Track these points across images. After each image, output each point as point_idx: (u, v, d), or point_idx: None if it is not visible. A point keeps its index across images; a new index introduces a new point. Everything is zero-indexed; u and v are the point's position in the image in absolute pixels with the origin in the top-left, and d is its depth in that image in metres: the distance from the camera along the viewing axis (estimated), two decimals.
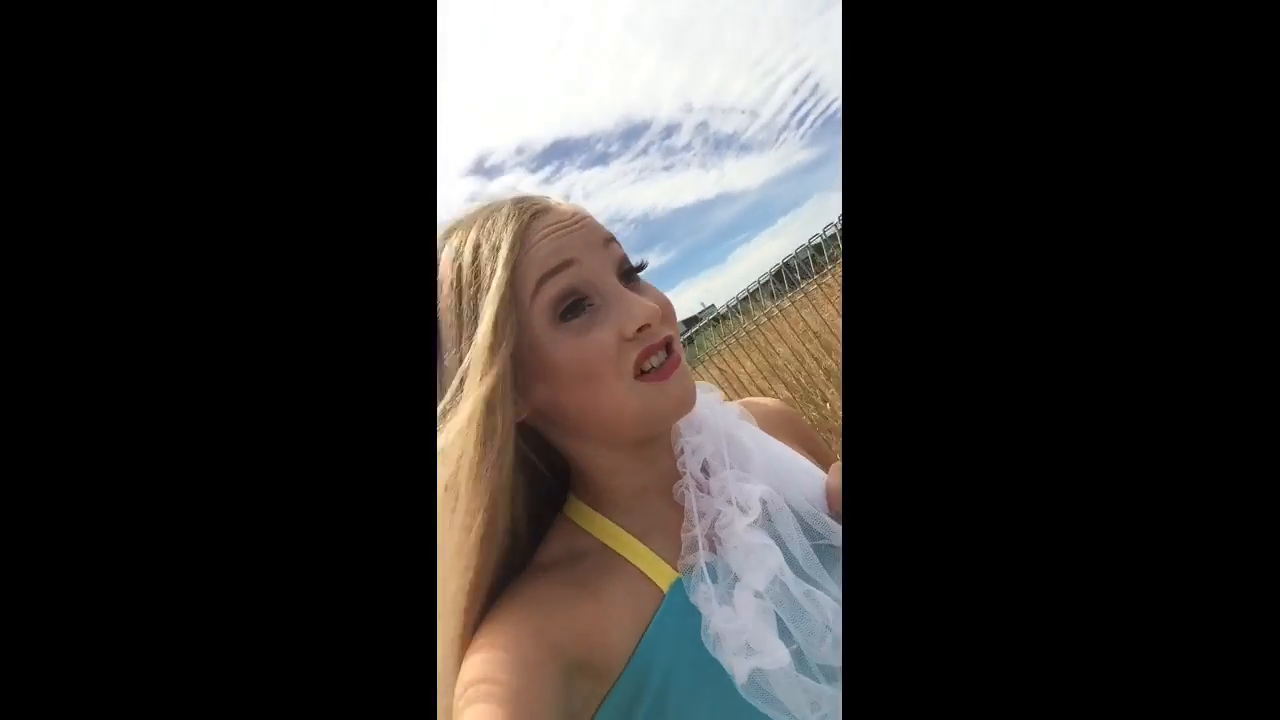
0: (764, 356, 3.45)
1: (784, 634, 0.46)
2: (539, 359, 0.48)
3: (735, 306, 3.59)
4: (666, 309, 0.51)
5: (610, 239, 0.51)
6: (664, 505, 0.52)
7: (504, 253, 0.47)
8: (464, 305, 0.48)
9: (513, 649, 0.43)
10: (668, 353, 0.49)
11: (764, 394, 3.49)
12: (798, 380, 3.37)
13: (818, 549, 0.50)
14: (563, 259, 0.48)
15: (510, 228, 0.48)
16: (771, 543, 0.48)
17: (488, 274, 0.48)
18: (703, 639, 0.46)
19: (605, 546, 0.51)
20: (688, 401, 0.50)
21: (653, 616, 0.48)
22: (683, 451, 0.53)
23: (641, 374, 0.48)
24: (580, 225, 0.50)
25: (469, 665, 0.44)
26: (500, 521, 0.47)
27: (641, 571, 0.50)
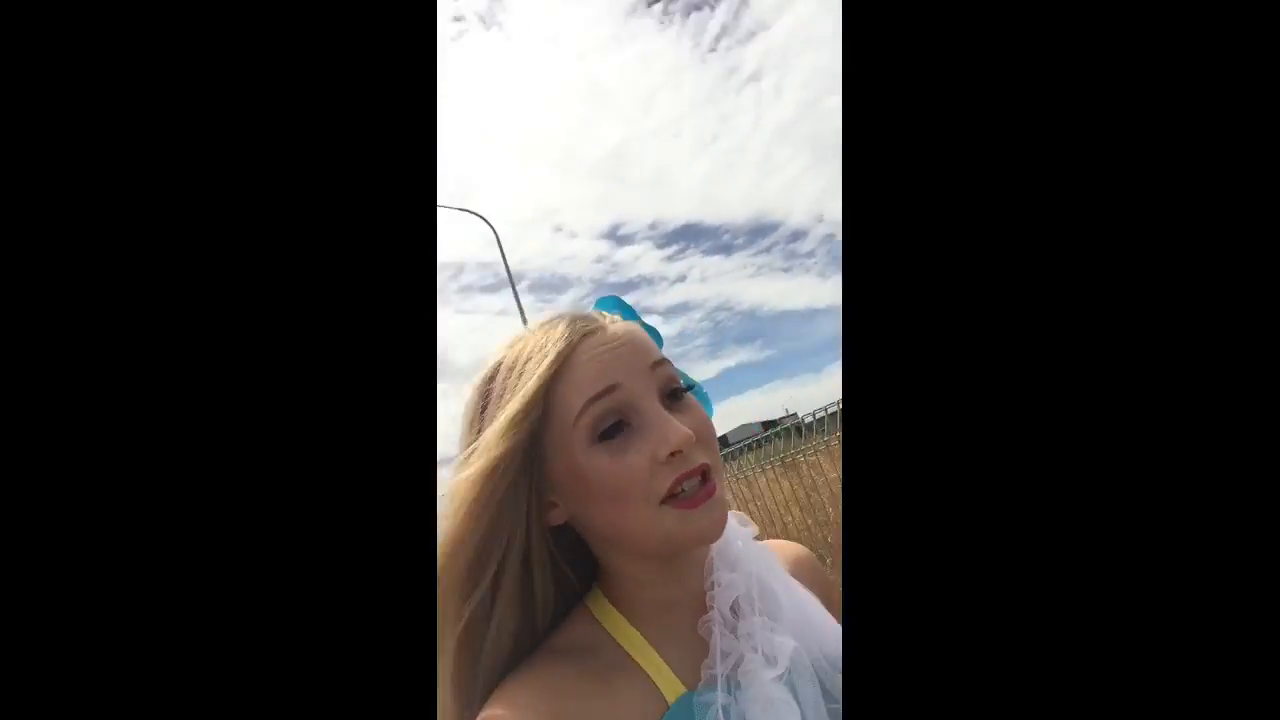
0: (804, 482, 3.37)
1: None
2: (575, 475, 0.50)
3: (814, 422, 3.55)
4: (705, 434, 0.51)
5: (659, 362, 0.52)
6: (685, 621, 0.53)
7: (547, 361, 0.50)
8: (491, 401, 0.53)
9: None
10: (703, 480, 0.50)
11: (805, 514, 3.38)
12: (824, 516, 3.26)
13: (831, 713, 0.50)
14: (608, 383, 0.50)
15: (559, 345, 0.51)
16: (793, 700, 0.48)
17: (527, 376, 0.51)
18: None
19: (619, 646, 0.52)
20: (713, 533, 0.50)
21: None
22: (714, 586, 0.53)
23: (672, 498, 0.49)
24: (628, 348, 0.51)
25: None
26: (498, 577, 0.50)
27: (650, 680, 0.50)
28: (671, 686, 0.50)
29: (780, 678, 0.49)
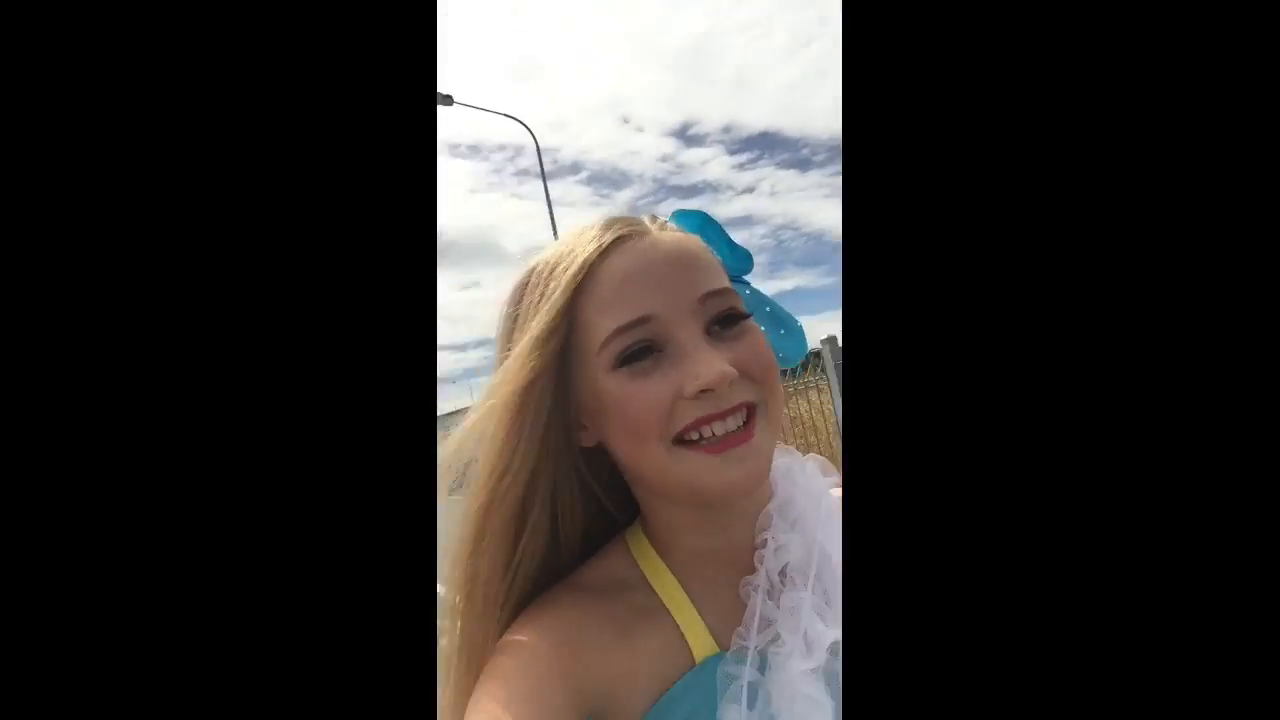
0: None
1: None
2: (596, 398, 0.46)
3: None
4: (756, 368, 0.45)
5: (711, 294, 0.45)
6: (726, 576, 0.48)
7: (572, 271, 0.46)
8: (522, 313, 0.48)
9: (536, 697, 0.41)
10: (745, 422, 0.44)
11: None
12: None
13: None
14: (641, 313, 0.44)
15: (588, 249, 0.46)
16: (825, 700, 0.42)
17: (553, 288, 0.46)
18: None
19: (653, 591, 0.48)
20: (742, 485, 0.44)
21: (675, 682, 0.45)
22: (765, 545, 0.47)
23: (690, 442, 0.44)
24: (673, 270, 0.45)
25: (491, 685, 0.42)
26: (524, 505, 0.47)
27: (681, 632, 0.46)
28: (703, 643, 0.46)
29: (814, 671, 0.43)
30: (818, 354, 3.70)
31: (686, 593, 0.48)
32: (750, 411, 0.45)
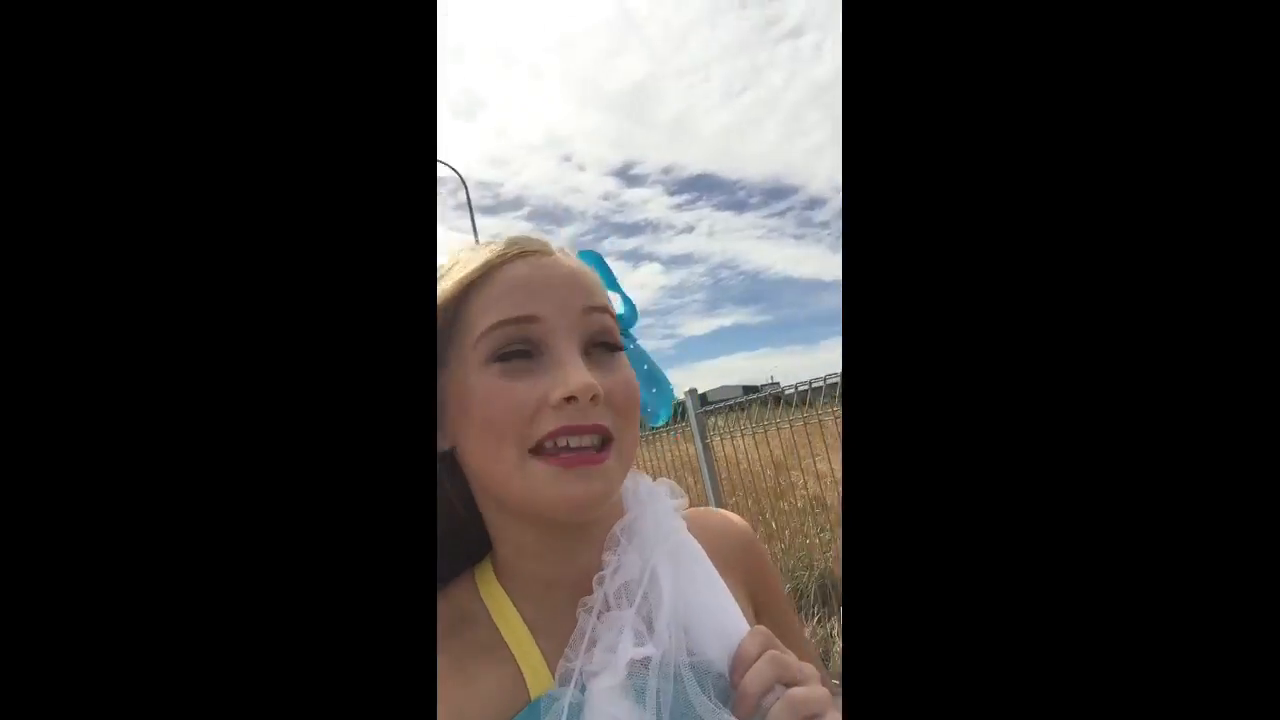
0: (781, 454, 3.41)
1: None
2: (460, 393, 0.46)
3: (796, 394, 3.57)
4: (621, 399, 0.46)
5: (598, 309, 0.47)
6: (570, 604, 0.48)
7: (470, 268, 0.46)
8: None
9: None
10: (599, 446, 0.45)
11: (767, 484, 3.42)
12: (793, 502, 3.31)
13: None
14: (527, 312, 0.45)
15: (488, 254, 0.47)
16: (629, 712, 0.43)
17: (445, 281, 0.47)
18: None
19: (494, 626, 0.48)
20: (583, 505, 0.44)
21: None
22: (604, 566, 0.48)
23: (544, 451, 0.44)
24: (565, 282, 0.47)
25: None
26: None
27: (519, 669, 0.46)
28: (539, 680, 0.46)
29: (615, 688, 0.43)
30: (682, 405, 3.80)
31: (529, 626, 0.48)
32: (606, 438, 0.45)
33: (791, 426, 3.32)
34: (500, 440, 0.44)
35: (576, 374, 0.43)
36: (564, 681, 0.45)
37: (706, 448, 3.64)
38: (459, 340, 0.46)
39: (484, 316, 0.45)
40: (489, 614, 0.49)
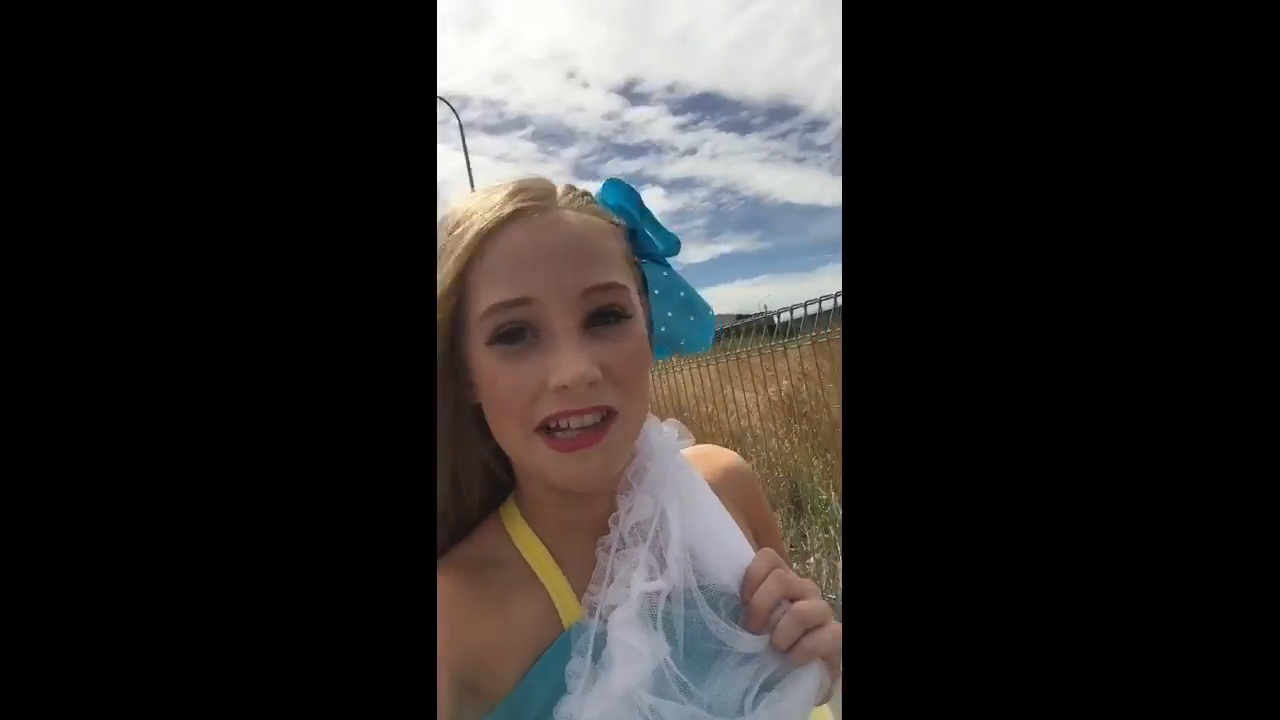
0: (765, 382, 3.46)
1: None
2: (471, 368, 0.48)
3: (790, 322, 3.58)
4: (622, 372, 0.46)
5: (597, 289, 0.46)
6: (591, 543, 0.51)
7: (467, 239, 0.46)
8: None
9: None
10: (600, 422, 0.46)
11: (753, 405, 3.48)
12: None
13: (701, 654, 0.47)
14: (520, 294, 0.45)
15: (485, 220, 0.46)
16: (642, 648, 0.45)
17: (453, 248, 0.46)
18: (554, 713, 0.45)
19: (524, 562, 0.51)
20: (585, 484, 0.47)
21: (546, 649, 0.48)
22: (618, 507, 0.51)
23: (549, 432, 0.45)
24: (561, 256, 0.45)
25: None
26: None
27: (551, 601, 0.49)
28: (570, 610, 0.49)
29: (632, 619, 0.46)
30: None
31: (556, 562, 0.51)
32: (608, 415, 0.46)
33: (786, 351, 3.36)
34: (506, 419, 0.46)
35: (571, 363, 0.43)
36: (590, 614, 0.48)
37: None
38: (467, 310, 0.47)
39: (483, 293, 0.45)
40: (519, 553, 0.51)
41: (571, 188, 0.51)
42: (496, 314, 0.45)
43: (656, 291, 0.55)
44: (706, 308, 0.56)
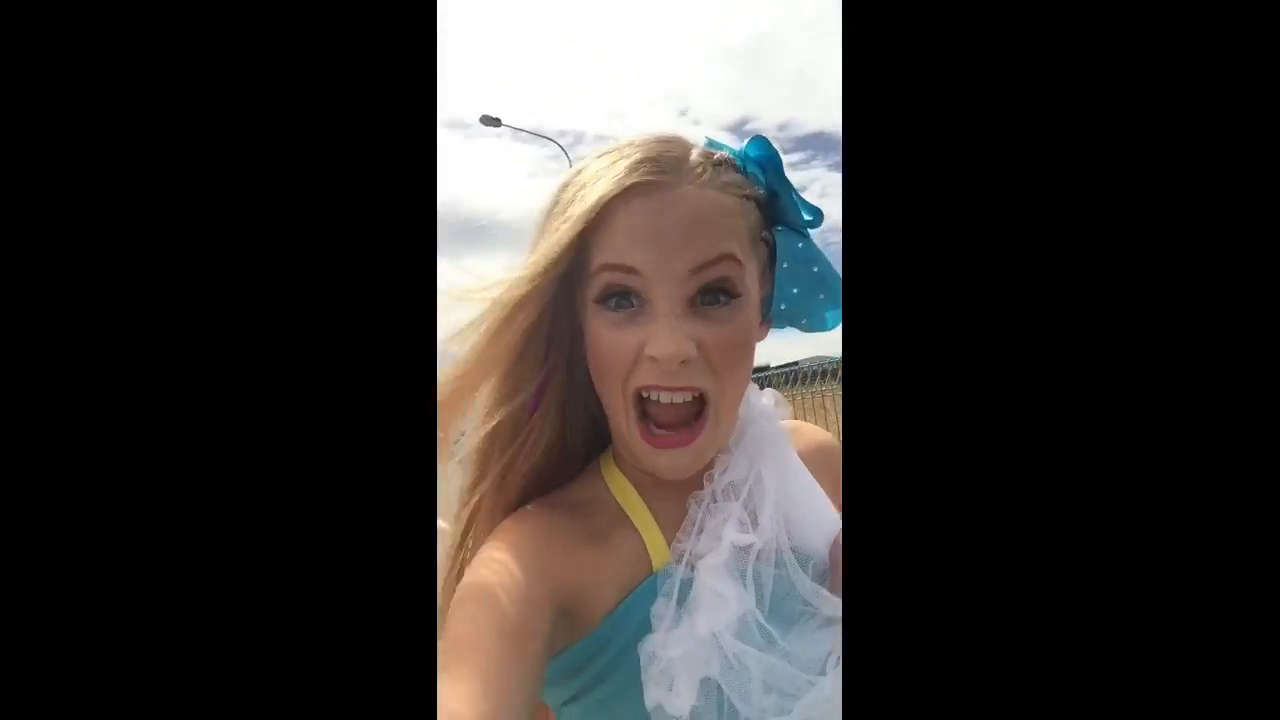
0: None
1: (707, 686, 0.45)
2: (582, 324, 0.49)
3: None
4: (719, 355, 0.46)
5: (708, 264, 0.45)
6: (683, 496, 0.51)
7: (587, 204, 0.45)
8: (556, 213, 0.48)
9: (517, 588, 0.43)
10: (696, 412, 0.47)
11: None
12: None
13: (787, 612, 0.47)
14: (628, 262, 0.45)
15: (608, 186, 0.45)
16: (729, 595, 0.46)
17: (569, 215, 0.46)
18: (638, 648, 0.46)
19: (620, 508, 0.52)
20: (673, 475, 0.49)
21: (636, 587, 0.48)
22: (714, 465, 0.52)
23: (642, 405, 0.47)
24: (675, 233, 0.44)
25: (483, 572, 0.45)
26: (517, 398, 0.49)
27: (644, 543, 0.50)
28: (660, 552, 0.50)
29: (721, 566, 0.47)
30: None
31: (650, 510, 0.51)
32: (702, 402, 0.47)
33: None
34: (608, 381, 0.48)
35: (665, 339, 0.44)
36: (676, 559, 0.49)
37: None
38: (582, 269, 0.47)
39: (596, 254, 0.46)
40: (614, 498, 0.52)
41: (708, 154, 0.49)
42: (605, 273, 0.46)
43: (785, 265, 0.52)
44: (839, 286, 0.52)
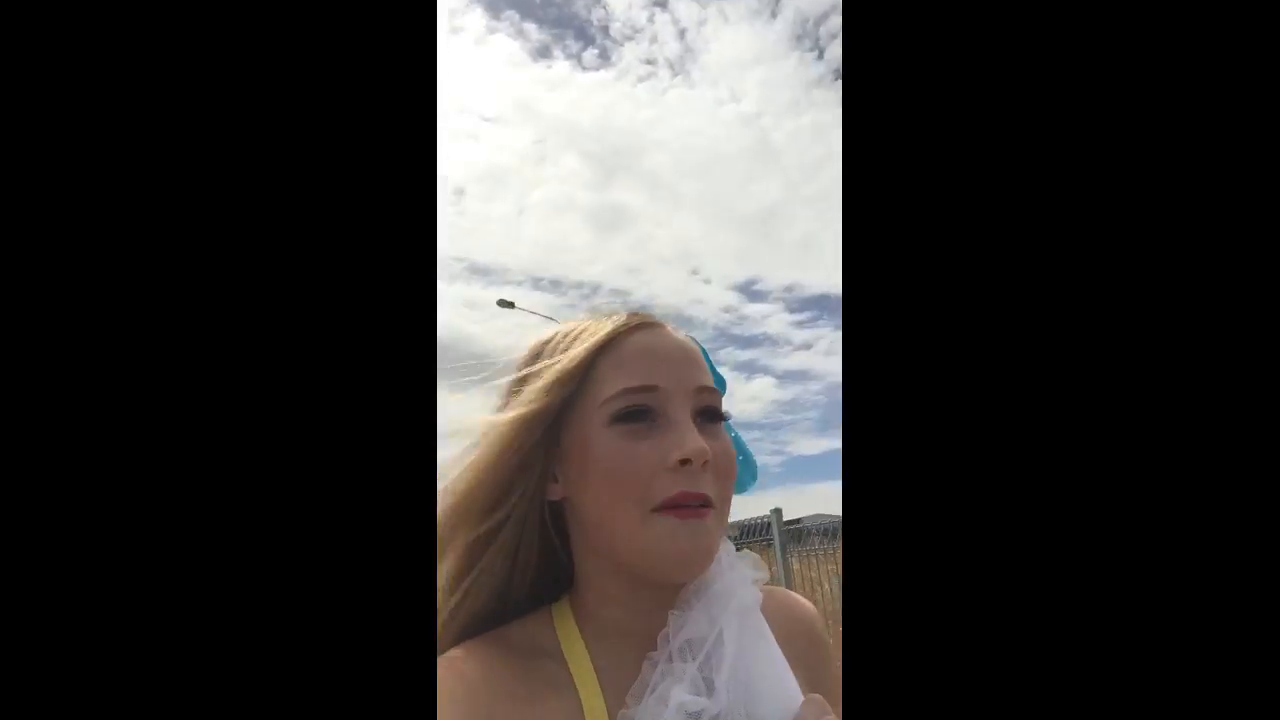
0: None
1: None
2: (582, 449, 0.49)
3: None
4: (723, 467, 0.49)
5: (707, 388, 0.51)
6: (637, 655, 0.49)
7: (600, 335, 0.50)
8: (542, 359, 0.52)
9: None
10: (700, 507, 0.47)
11: None
12: None
13: None
14: (650, 381, 0.49)
15: (615, 324, 0.51)
16: None
17: (578, 344, 0.50)
18: None
19: (564, 663, 0.50)
20: (695, 560, 0.47)
21: None
22: (671, 621, 0.49)
23: (668, 507, 0.46)
24: (682, 357, 0.51)
25: None
26: (492, 530, 0.50)
27: (581, 708, 0.47)
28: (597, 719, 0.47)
29: None
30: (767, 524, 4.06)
31: (595, 669, 0.49)
32: (706, 502, 0.47)
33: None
34: (621, 497, 0.47)
35: (692, 438, 0.46)
36: None
37: (785, 564, 3.97)
38: (584, 398, 0.50)
39: (610, 381, 0.49)
40: (561, 652, 0.50)
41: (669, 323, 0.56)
42: (625, 397, 0.48)
43: None
44: (751, 455, 0.58)
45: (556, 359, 0.51)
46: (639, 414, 0.48)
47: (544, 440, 0.50)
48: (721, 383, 0.57)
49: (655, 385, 0.49)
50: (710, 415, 0.51)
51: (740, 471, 0.55)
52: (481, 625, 0.52)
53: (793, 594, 0.62)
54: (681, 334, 0.54)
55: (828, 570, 3.63)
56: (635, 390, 0.48)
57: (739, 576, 0.52)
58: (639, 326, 0.52)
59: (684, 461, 0.46)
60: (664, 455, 0.46)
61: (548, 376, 0.49)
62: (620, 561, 0.49)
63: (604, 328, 0.51)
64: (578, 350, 0.50)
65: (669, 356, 0.51)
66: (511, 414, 0.49)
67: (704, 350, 0.57)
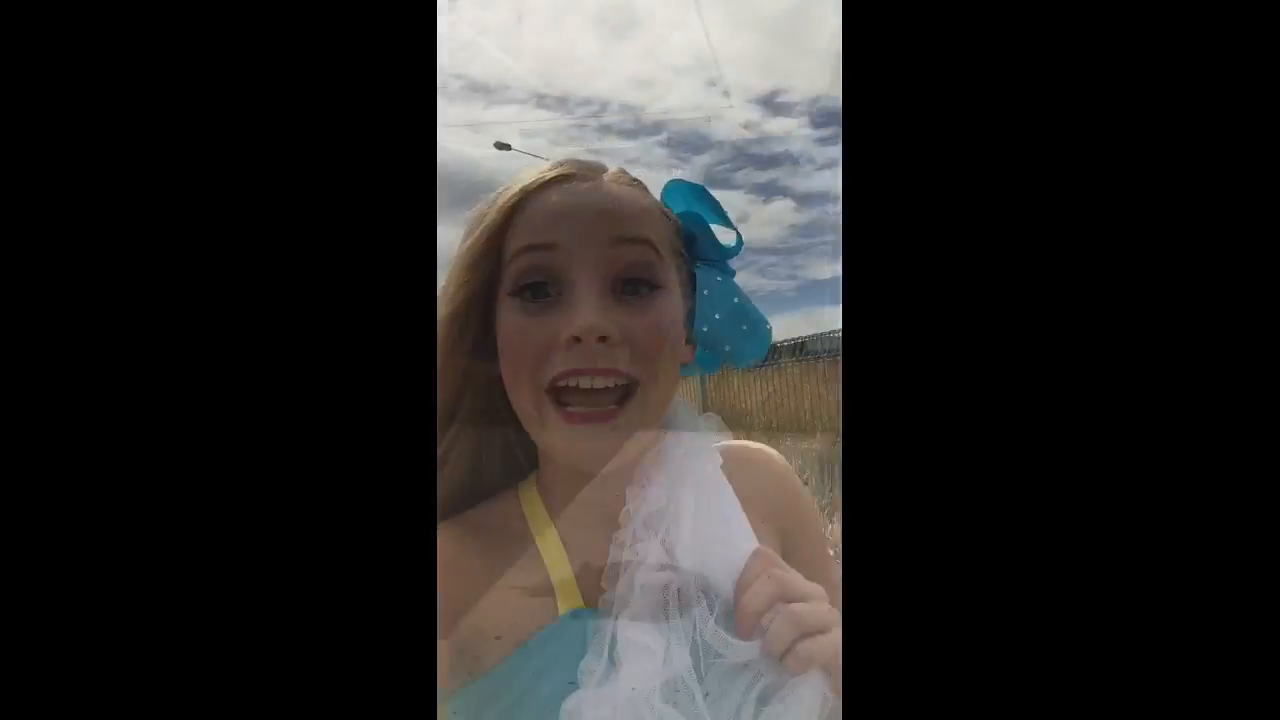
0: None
1: None
2: (498, 328, 0.46)
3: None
4: (643, 343, 0.43)
5: (628, 240, 0.44)
6: (604, 528, 0.48)
7: (508, 195, 0.46)
8: (468, 234, 0.48)
9: None
10: (618, 399, 0.44)
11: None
12: None
13: (700, 665, 0.44)
14: (546, 239, 0.44)
15: (526, 180, 0.46)
16: (650, 642, 0.43)
17: (490, 215, 0.46)
18: (563, 707, 0.42)
19: (532, 540, 0.49)
20: (589, 463, 0.45)
21: (537, 632, 0.45)
22: (629, 499, 0.48)
23: (559, 396, 0.43)
24: (594, 209, 0.45)
25: None
26: (447, 425, 0.48)
27: (551, 584, 0.47)
28: (568, 596, 0.47)
29: (640, 616, 0.44)
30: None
31: (564, 545, 0.48)
32: (626, 390, 0.44)
33: None
34: (519, 378, 0.44)
35: (584, 312, 0.42)
36: (605, 613, 0.45)
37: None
38: (500, 275, 0.46)
39: (513, 241, 0.45)
40: (529, 529, 0.50)
41: (624, 171, 0.50)
42: (521, 258, 0.44)
43: (706, 292, 0.52)
44: (762, 321, 0.53)
45: (465, 242, 0.47)
46: (537, 286, 0.44)
47: (477, 326, 0.47)
48: (732, 247, 0.52)
49: (552, 243, 0.43)
50: (640, 281, 0.45)
51: (741, 340, 0.53)
52: (455, 504, 0.51)
53: (758, 446, 0.59)
54: (621, 188, 0.47)
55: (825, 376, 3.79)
56: (530, 249, 0.44)
57: (695, 442, 0.50)
58: (555, 180, 0.46)
59: (575, 339, 0.41)
60: (557, 331, 0.42)
61: (455, 267, 0.46)
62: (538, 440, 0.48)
63: (517, 184, 0.46)
64: (485, 225, 0.46)
65: (578, 210, 0.44)
66: (440, 313, 0.46)
67: (707, 203, 0.52)
